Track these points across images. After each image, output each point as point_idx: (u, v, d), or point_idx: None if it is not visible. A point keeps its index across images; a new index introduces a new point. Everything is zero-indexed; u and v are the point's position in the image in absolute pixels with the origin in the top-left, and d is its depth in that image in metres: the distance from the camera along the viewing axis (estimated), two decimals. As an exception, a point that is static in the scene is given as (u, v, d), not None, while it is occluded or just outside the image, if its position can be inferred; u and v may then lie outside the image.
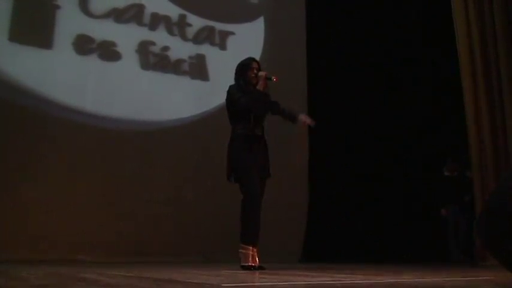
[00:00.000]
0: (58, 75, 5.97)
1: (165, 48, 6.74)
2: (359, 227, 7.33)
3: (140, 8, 6.66)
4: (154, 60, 6.65)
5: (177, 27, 6.90)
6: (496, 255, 2.12)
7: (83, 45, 6.20)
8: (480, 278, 2.98)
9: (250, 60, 4.25)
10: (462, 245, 7.06)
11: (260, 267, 3.77)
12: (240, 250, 3.82)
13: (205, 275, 2.98)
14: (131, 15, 6.59)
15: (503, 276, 2.82)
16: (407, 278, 2.82)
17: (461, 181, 7.08)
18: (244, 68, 4.19)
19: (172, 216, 6.12)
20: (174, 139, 6.49)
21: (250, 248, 3.82)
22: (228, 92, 4.13)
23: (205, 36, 7.09)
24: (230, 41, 7.23)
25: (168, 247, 5.98)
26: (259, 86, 4.06)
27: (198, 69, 6.94)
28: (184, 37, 6.93)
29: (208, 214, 6.19)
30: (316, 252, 6.75)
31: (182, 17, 6.95)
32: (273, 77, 4.09)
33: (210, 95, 6.69)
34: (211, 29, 7.15)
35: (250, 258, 3.78)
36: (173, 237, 6.06)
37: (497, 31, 5.87)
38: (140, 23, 6.63)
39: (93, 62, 6.23)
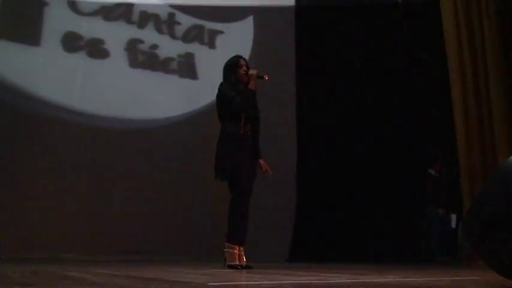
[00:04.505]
0: (46, 73, 5.93)
1: (154, 47, 6.72)
2: (347, 227, 7.34)
3: (129, 6, 6.63)
4: (143, 58, 6.63)
5: (166, 26, 6.88)
6: (482, 255, 2.14)
7: (71, 42, 6.17)
8: (466, 278, 3.00)
9: (238, 57, 4.21)
10: (447, 245, 7.12)
11: (247, 267, 3.76)
12: (226, 249, 3.80)
13: (193, 273, 2.97)
14: (120, 13, 6.56)
15: (489, 276, 2.84)
16: (394, 277, 2.83)
17: (447, 181, 7.14)
18: (234, 66, 4.16)
19: (161, 215, 6.10)
20: (163, 137, 6.47)
21: (237, 247, 3.81)
22: (220, 90, 4.10)
23: (195, 34, 7.07)
24: (219, 40, 7.22)
25: (156, 246, 5.96)
26: (251, 85, 4.02)
27: (186, 68, 6.92)
28: (173, 35, 6.91)
29: (197, 213, 6.18)
30: (304, 252, 6.75)
31: (171, 16, 6.93)
32: (264, 76, 4.05)
33: (198, 93, 6.68)
34: (201, 28, 7.13)
35: (237, 258, 3.77)
36: (161, 236, 6.03)
37: (485, 34, 5.92)
38: (129, 21, 6.60)
39: (81, 59, 6.20)
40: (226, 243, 3.82)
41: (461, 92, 6.02)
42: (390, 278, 2.74)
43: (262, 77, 4.04)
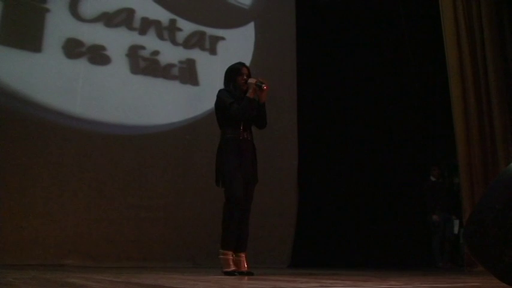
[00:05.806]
0: (47, 79, 5.92)
1: (155, 53, 6.72)
2: (348, 233, 7.34)
3: (130, 12, 6.64)
4: (144, 64, 6.63)
5: (168, 32, 6.89)
6: (483, 261, 2.13)
7: (73, 48, 6.17)
8: (467, 284, 2.99)
9: (240, 65, 4.23)
10: (448, 251, 7.11)
11: (249, 273, 3.76)
12: (220, 256, 3.79)
13: (193, 280, 2.97)
14: (121, 19, 6.57)
15: (489, 283, 2.84)
16: (395, 284, 2.83)
17: (448, 187, 7.14)
18: (234, 73, 4.17)
19: (162, 221, 6.10)
20: (164, 144, 6.46)
21: (231, 253, 3.78)
22: (218, 97, 4.11)
23: (196, 41, 7.08)
24: (220, 46, 7.23)
25: (157, 252, 5.96)
26: (249, 94, 4.02)
27: (188, 74, 6.92)
28: (174, 42, 6.91)
29: (197, 219, 6.17)
30: (306, 258, 6.75)
31: (172, 22, 6.94)
32: (263, 85, 4.06)
33: (200, 99, 6.69)
34: (202, 34, 7.14)
35: (231, 263, 3.75)
36: (162, 242, 6.04)
37: (485, 37, 5.93)
38: (130, 27, 6.61)
39: (82, 65, 6.19)
40: (220, 250, 3.81)
41: (461, 94, 6.02)
42: (391, 285, 2.74)
43: (261, 86, 4.05)
